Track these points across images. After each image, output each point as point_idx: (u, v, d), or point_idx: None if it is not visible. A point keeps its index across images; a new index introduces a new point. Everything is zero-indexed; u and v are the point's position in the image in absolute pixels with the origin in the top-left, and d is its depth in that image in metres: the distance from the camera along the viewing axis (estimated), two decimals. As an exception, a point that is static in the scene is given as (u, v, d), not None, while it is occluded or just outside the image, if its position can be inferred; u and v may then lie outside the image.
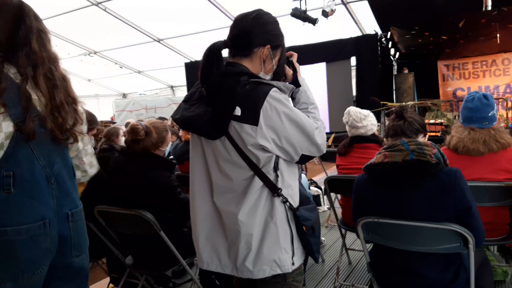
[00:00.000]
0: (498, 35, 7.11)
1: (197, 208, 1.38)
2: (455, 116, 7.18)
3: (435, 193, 1.51)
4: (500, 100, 6.70)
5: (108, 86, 12.46)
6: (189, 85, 9.61)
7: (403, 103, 6.63)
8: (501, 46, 7.65)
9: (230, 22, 1.43)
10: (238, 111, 1.22)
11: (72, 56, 9.93)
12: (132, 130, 2.10)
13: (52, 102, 1.26)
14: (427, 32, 7.34)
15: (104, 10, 7.81)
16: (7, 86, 1.16)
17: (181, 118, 1.35)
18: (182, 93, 11.97)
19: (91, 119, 2.50)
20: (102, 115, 10.72)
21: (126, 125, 7.25)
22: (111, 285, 2.96)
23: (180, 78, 11.24)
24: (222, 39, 1.35)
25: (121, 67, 10.66)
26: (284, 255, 1.29)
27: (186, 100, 1.39)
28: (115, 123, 8.91)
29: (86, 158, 1.51)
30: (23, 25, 1.28)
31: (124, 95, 13.05)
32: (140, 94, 12.54)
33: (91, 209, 2.15)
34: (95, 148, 3.29)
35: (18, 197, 1.19)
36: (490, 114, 2.18)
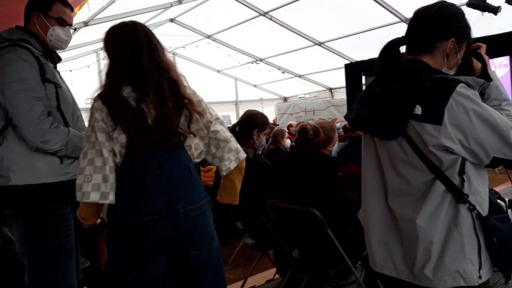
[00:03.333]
0: None
1: (370, 209, 1.37)
2: None
3: None
4: None
5: (271, 90, 13.30)
6: (349, 86, 9.49)
7: None
8: None
9: (394, 19, 1.37)
10: (418, 110, 1.16)
11: (242, 64, 10.95)
12: (302, 130, 2.22)
13: (160, 112, 1.40)
14: None
15: (270, 19, 8.37)
16: (121, 107, 1.39)
17: (355, 118, 1.36)
18: (340, 95, 11.92)
19: (264, 119, 2.73)
20: (266, 118, 11.47)
21: (288, 127, 7.64)
22: (277, 275, 3.16)
23: (338, 80, 11.18)
24: (399, 36, 1.31)
25: (283, 72, 11.25)
26: (470, 266, 1.17)
27: (360, 100, 1.38)
28: (277, 125, 9.47)
29: (229, 145, 1.55)
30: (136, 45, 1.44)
31: (285, 99, 13.73)
32: (300, 97, 13.00)
33: (263, 202, 2.35)
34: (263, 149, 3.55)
35: (133, 195, 1.39)
36: None
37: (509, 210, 4.11)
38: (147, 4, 7.24)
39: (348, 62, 9.92)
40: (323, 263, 2.34)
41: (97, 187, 1.36)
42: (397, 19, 7.21)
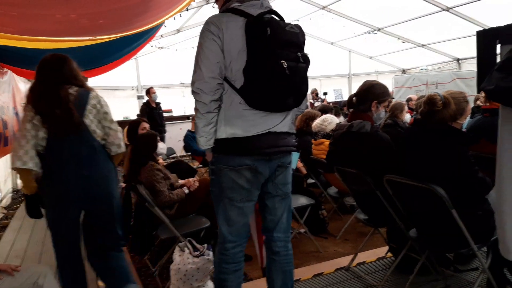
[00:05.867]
0: None
1: (505, 191, 1.23)
2: None
3: None
4: None
5: (388, 62, 12.51)
6: (481, 56, 8.42)
7: None
8: None
9: None
10: None
11: (357, 35, 10.47)
12: (430, 101, 2.05)
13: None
14: None
15: (391, -16, 7.77)
16: None
17: (496, 89, 1.20)
18: (469, 66, 10.65)
19: (384, 90, 2.59)
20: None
21: (407, 100, 7.14)
22: (389, 254, 3.06)
23: (468, 50, 10.00)
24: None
25: (403, 42, 10.46)
26: None
27: (500, 68, 1.22)
28: (394, 98, 8.93)
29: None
30: None
31: (404, 71, 12.79)
32: (421, 69, 11.97)
33: (380, 177, 2.26)
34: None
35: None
36: None
37: None
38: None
39: (480, 29, 8.77)
40: (443, 245, 2.17)
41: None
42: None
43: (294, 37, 1.79)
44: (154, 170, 3.09)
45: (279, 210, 2.00)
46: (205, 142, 1.83)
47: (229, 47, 1.75)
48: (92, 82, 4.24)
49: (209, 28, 1.76)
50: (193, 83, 1.78)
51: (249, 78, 1.74)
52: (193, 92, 1.79)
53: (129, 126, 4.01)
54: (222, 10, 1.87)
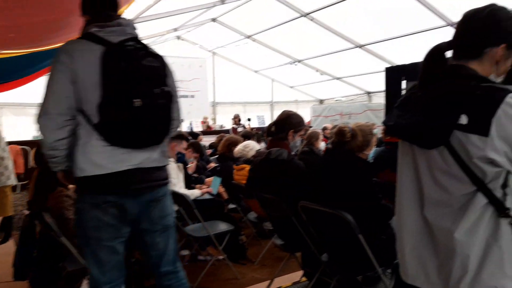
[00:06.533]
0: None
1: (404, 218, 1.34)
2: None
3: None
4: None
5: (307, 92, 13.23)
6: (389, 90, 9.25)
7: None
8: None
9: (439, 23, 1.33)
10: (463, 120, 1.12)
11: (279, 65, 10.96)
12: (339, 132, 2.21)
13: None
14: None
15: (311, 20, 8.32)
16: None
17: (395, 125, 1.32)
18: (378, 99, 11.67)
19: (300, 120, 2.73)
20: (300, 119, 11.44)
21: (323, 129, 7.57)
22: (304, 278, 3.14)
23: (377, 84, 10.97)
24: (444, 41, 1.27)
25: (321, 74, 11.16)
26: (509, 284, 1.13)
27: (400, 106, 1.35)
28: (311, 127, 9.40)
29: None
30: None
31: (321, 101, 13.61)
32: (337, 100, 12.85)
33: (295, 203, 2.35)
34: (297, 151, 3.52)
35: None
36: None
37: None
38: (191, 3, 7.40)
39: (388, 65, 9.71)
40: (352, 269, 2.30)
41: None
42: (443, 23, 6.98)
43: (153, 71, 1.71)
44: (63, 196, 2.87)
45: (161, 243, 1.91)
46: (55, 168, 1.76)
47: (83, 79, 1.62)
48: (0, 97, 3.84)
49: (59, 58, 1.63)
50: (38, 117, 1.64)
51: (103, 114, 1.63)
52: (37, 126, 1.66)
53: (38, 146, 3.69)
54: (82, 34, 1.74)
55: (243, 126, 10.32)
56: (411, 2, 6.96)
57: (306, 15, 8.20)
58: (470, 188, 1.14)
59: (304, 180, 2.51)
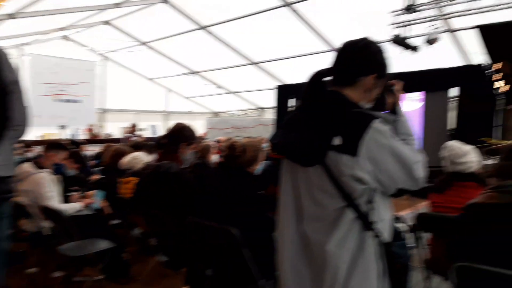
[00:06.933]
0: None
1: (283, 231, 1.39)
2: None
3: None
4: None
5: (203, 104, 13.26)
6: (279, 107, 9.77)
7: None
8: None
9: (326, 48, 1.44)
10: (337, 141, 1.21)
11: (175, 75, 10.79)
12: (230, 147, 2.23)
13: None
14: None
15: (210, 33, 8.39)
16: None
17: (278, 143, 1.38)
18: (269, 114, 12.26)
19: (193, 133, 2.69)
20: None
21: (217, 141, 7.63)
22: (189, 295, 3.07)
23: (269, 100, 11.56)
24: (326, 66, 1.37)
25: (218, 87, 11.30)
26: None
27: (284, 125, 1.41)
28: (207, 139, 9.41)
29: None
30: None
31: (216, 114, 13.76)
32: (230, 113, 13.12)
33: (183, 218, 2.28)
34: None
35: None
36: None
37: (411, 234, 4.48)
38: (81, 3, 6.89)
39: (280, 83, 10.28)
40: (234, 282, 2.31)
41: None
42: (329, 48, 7.68)
43: None
44: None
45: None
46: None
47: None
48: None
49: None
50: None
51: None
52: None
53: None
54: None
55: (139, 136, 9.88)
56: (302, 28, 7.52)
57: (204, 27, 8.25)
58: (341, 203, 1.23)
59: (193, 195, 2.46)
